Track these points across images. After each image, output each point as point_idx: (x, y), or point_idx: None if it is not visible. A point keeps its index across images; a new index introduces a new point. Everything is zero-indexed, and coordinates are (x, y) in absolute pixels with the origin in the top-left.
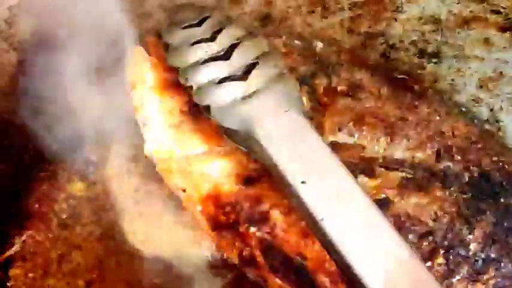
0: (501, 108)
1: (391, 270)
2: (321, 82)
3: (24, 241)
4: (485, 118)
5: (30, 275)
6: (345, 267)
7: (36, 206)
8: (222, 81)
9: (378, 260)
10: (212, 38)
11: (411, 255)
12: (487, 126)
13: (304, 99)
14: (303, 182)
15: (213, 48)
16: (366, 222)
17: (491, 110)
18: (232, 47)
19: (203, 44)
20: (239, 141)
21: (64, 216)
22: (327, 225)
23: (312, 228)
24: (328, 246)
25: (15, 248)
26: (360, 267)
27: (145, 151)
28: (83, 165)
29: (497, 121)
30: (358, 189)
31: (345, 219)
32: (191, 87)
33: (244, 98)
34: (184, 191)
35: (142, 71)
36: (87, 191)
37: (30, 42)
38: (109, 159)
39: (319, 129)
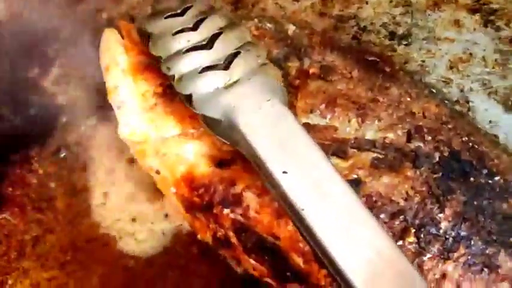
0: (471, 89)
1: (372, 261)
2: (293, 65)
3: None
4: (456, 99)
5: (5, 257)
6: (326, 259)
7: (10, 189)
8: (204, 70)
9: (359, 251)
10: (195, 28)
11: (393, 246)
12: (457, 107)
13: None
14: (284, 172)
15: (196, 37)
16: (347, 213)
17: (462, 90)
18: (214, 37)
19: (185, 34)
20: (221, 132)
21: (38, 199)
22: (308, 215)
23: (292, 218)
24: (308, 237)
25: None
26: (341, 258)
27: (119, 134)
28: (56, 148)
29: (467, 102)
30: (339, 179)
31: (326, 210)
32: (173, 76)
33: (226, 87)
34: (158, 173)
35: (115, 54)
36: (60, 174)
37: (2, 24)
38: (82, 141)
39: (292, 110)
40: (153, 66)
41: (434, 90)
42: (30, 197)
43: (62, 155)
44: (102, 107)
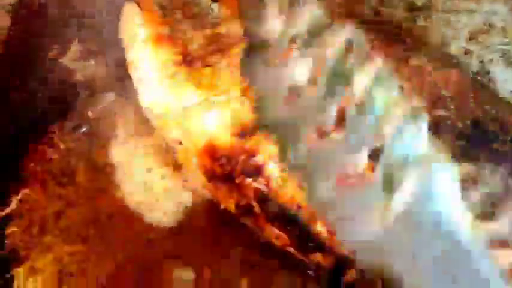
0: (491, 60)
1: None
2: None
3: (20, 200)
4: (476, 70)
5: (27, 232)
6: None
7: (31, 165)
8: None
9: None
10: None
11: None
12: (478, 78)
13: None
14: None
15: None
16: None
17: (482, 61)
18: None
19: None
20: None
21: (59, 174)
22: None
23: None
24: None
25: (12, 206)
26: None
27: (141, 103)
28: (77, 123)
29: (488, 72)
30: None
31: None
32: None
33: None
34: (180, 143)
35: (135, 27)
36: (81, 149)
37: (23, 5)
38: (103, 116)
39: None
40: (172, 36)
41: (454, 61)
42: (51, 173)
43: (83, 130)
44: (122, 82)
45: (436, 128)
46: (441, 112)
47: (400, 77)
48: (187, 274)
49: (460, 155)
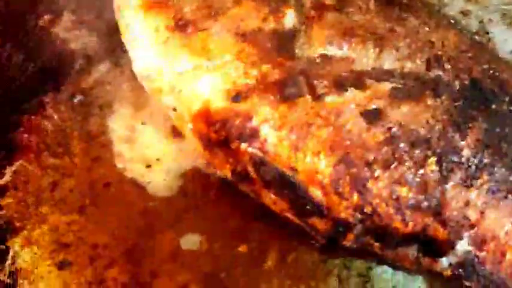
0: (490, 20)
1: None
2: None
3: (14, 171)
4: (475, 30)
5: (22, 203)
6: None
7: (25, 136)
8: None
9: None
10: None
11: None
12: (476, 38)
13: (291, 12)
14: None
15: None
16: None
17: (481, 22)
18: None
19: None
20: None
21: (54, 144)
22: None
23: None
24: None
25: (6, 178)
26: None
27: (134, 69)
28: (71, 93)
29: (487, 33)
30: None
31: None
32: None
33: None
34: (175, 110)
35: None
36: (75, 119)
37: None
38: (96, 86)
39: (308, 41)
40: (164, 1)
41: (453, 22)
42: (46, 143)
43: (77, 100)
44: (115, 52)
45: (434, 89)
46: (439, 72)
47: (396, 38)
48: (194, 240)
49: (458, 115)
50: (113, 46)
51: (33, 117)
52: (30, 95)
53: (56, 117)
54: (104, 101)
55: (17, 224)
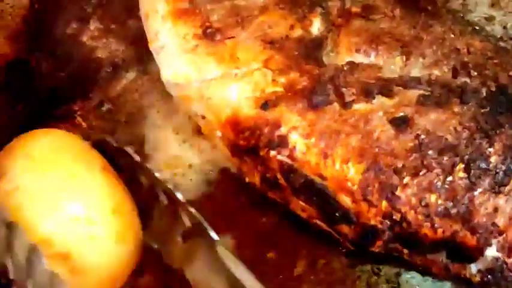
0: None
1: None
2: (335, 4)
3: None
4: (499, 36)
5: None
6: None
7: None
8: None
9: None
10: None
11: None
12: (501, 44)
13: (318, 20)
14: None
15: None
16: None
17: (505, 27)
18: None
19: None
20: None
21: None
22: None
23: None
24: None
25: None
26: None
27: (162, 77)
28: (99, 101)
29: (511, 38)
30: None
31: None
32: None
33: None
34: (203, 118)
35: (154, 1)
36: (104, 127)
37: None
38: (124, 94)
39: (336, 49)
40: (192, 9)
41: (477, 28)
42: None
43: (105, 108)
44: (143, 59)
45: (461, 96)
46: (465, 79)
47: (423, 45)
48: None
49: (485, 122)
50: (140, 54)
51: (61, 125)
52: (59, 103)
53: (84, 125)
54: (131, 109)
55: None
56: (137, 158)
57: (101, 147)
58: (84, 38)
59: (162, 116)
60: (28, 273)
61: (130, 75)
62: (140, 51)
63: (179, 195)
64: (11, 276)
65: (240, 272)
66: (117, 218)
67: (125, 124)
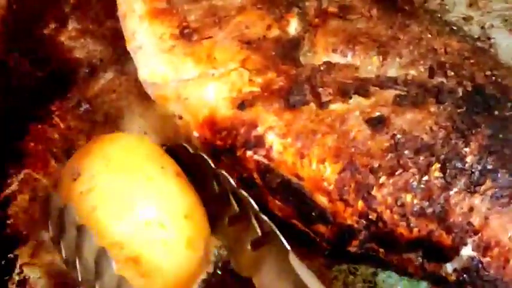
0: (492, 26)
1: None
2: (312, 4)
3: (21, 180)
4: (477, 36)
5: (29, 212)
6: None
7: (32, 144)
8: None
9: None
10: None
11: None
12: (478, 44)
13: (295, 20)
14: None
15: None
16: None
17: (482, 27)
18: None
19: None
20: None
21: (60, 153)
22: None
23: None
24: None
25: (13, 187)
26: None
27: (139, 77)
28: (76, 101)
29: (489, 38)
30: None
31: None
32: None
33: None
34: (180, 118)
35: (131, 1)
36: (82, 127)
37: None
38: (102, 94)
39: (313, 49)
40: (169, 9)
41: (455, 28)
42: (52, 152)
43: (83, 109)
44: (120, 60)
45: (437, 96)
46: (442, 79)
47: (399, 45)
48: None
49: (461, 122)
50: (118, 54)
51: (40, 125)
52: (37, 103)
53: (62, 125)
54: (109, 109)
55: (25, 233)
56: (212, 164)
57: (173, 153)
58: (62, 38)
59: (140, 117)
60: (96, 276)
61: (108, 75)
62: (118, 51)
63: (253, 203)
64: (79, 278)
65: (312, 282)
66: (189, 224)
67: (102, 124)
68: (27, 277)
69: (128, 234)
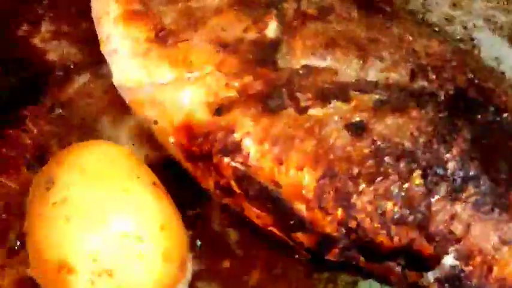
0: (475, 26)
1: None
2: (290, 5)
3: None
4: (459, 37)
5: (3, 216)
6: None
7: (4, 151)
8: None
9: None
10: None
11: None
12: (461, 45)
13: (273, 22)
14: None
15: None
16: None
17: (465, 28)
18: None
19: None
20: None
21: (33, 159)
22: None
23: None
24: None
25: None
26: None
27: (114, 82)
28: (50, 106)
29: (472, 39)
30: None
31: None
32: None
33: None
34: (156, 123)
35: (106, 4)
36: (56, 132)
37: None
38: (77, 98)
39: (291, 52)
40: (144, 12)
41: (436, 29)
42: (25, 158)
43: (56, 113)
44: (95, 63)
45: (418, 100)
46: (423, 83)
47: (380, 48)
48: None
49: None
50: (93, 57)
51: (11, 130)
52: (9, 107)
53: (35, 131)
54: (84, 114)
55: None
56: None
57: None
58: (35, 41)
59: (115, 121)
60: None
61: (83, 78)
62: (93, 54)
63: None
64: None
65: None
66: (165, 235)
67: (77, 130)
68: None
69: (102, 247)
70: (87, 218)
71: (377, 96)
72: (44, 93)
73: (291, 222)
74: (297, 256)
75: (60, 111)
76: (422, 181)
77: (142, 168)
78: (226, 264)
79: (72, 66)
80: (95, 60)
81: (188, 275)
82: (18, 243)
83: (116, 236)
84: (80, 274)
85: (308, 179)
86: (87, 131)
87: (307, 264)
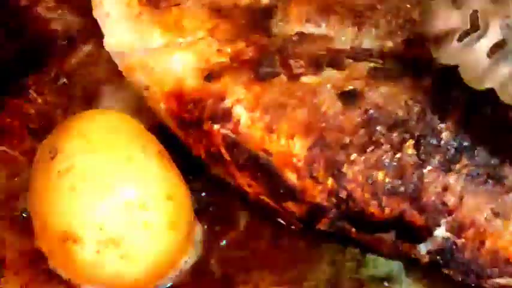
0: None
1: None
2: None
3: None
4: None
5: (7, 186)
6: None
7: (8, 120)
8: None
9: None
10: None
11: None
12: None
13: None
14: None
15: None
16: None
17: None
18: None
19: None
20: None
21: (37, 128)
22: None
23: None
24: None
25: None
26: None
27: (105, 45)
28: (54, 75)
29: None
30: None
31: None
32: None
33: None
34: (147, 88)
35: None
36: (59, 102)
37: None
38: (80, 67)
39: (285, 18)
40: None
41: None
42: (29, 127)
43: (60, 83)
44: (99, 32)
45: (414, 69)
46: (419, 51)
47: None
48: None
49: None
50: (96, 26)
51: (15, 100)
52: (13, 77)
53: (39, 100)
54: (88, 84)
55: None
56: None
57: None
58: (39, 10)
59: (119, 91)
60: None
61: (87, 48)
62: (96, 24)
63: None
64: None
65: None
66: (171, 204)
67: (81, 99)
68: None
69: (107, 215)
70: (92, 187)
71: (371, 65)
72: (48, 62)
73: (282, 191)
74: (291, 226)
75: (64, 80)
76: (414, 151)
77: (148, 137)
78: (233, 235)
79: (75, 35)
80: (98, 29)
81: (197, 248)
82: (22, 213)
83: (122, 205)
84: (86, 244)
85: (299, 147)
86: (92, 101)
87: (314, 235)
